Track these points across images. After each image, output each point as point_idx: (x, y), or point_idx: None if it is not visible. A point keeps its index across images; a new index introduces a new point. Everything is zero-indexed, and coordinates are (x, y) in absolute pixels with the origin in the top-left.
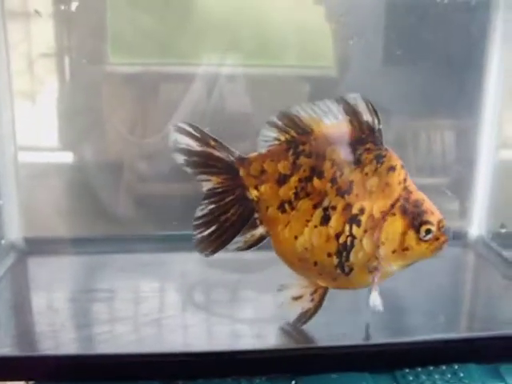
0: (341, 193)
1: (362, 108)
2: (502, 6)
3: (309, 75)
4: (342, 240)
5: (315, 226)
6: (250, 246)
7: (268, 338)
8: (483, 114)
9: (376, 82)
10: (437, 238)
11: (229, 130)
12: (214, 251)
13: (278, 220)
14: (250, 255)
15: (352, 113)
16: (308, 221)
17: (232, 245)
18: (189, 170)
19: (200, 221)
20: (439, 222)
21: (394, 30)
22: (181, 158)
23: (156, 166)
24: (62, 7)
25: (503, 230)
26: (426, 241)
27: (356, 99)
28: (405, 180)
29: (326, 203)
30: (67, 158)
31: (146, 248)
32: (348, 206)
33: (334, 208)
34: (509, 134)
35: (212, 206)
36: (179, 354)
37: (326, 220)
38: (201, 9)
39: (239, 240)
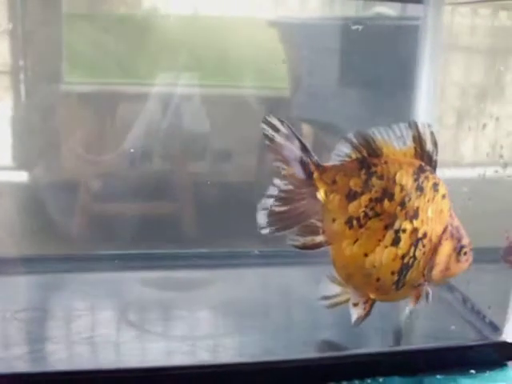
0: (409, 217)
1: (426, 137)
2: (430, 29)
3: (264, 96)
4: (406, 260)
5: (386, 247)
6: (306, 248)
7: (200, 355)
8: None
9: (322, 103)
10: (467, 259)
11: (185, 149)
12: (276, 231)
13: (344, 234)
14: (184, 274)
15: (418, 140)
16: (380, 240)
17: (291, 240)
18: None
19: (279, 195)
20: (469, 244)
21: (341, 53)
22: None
23: (111, 184)
24: (18, 25)
25: None
26: (461, 261)
27: (424, 127)
28: (450, 207)
29: (397, 226)
30: (19, 176)
31: (93, 267)
32: (415, 230)
33: (404, 231)
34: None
35: (288, 187)
36: (110, 370)
37: (396, 242)
38: (158, 28)
39: (298, 239)
